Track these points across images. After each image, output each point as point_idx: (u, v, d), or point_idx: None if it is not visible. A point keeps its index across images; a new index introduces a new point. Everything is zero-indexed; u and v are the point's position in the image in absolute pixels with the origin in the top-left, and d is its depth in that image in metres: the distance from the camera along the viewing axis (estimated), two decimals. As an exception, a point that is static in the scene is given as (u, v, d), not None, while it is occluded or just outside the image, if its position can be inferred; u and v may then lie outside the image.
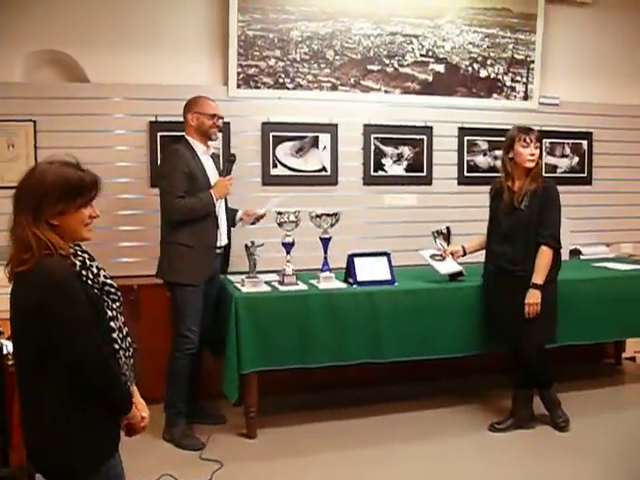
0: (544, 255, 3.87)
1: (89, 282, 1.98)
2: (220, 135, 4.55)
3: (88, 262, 2.02)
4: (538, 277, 3.86)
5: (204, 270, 3.91)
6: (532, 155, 3.93)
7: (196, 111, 3.93)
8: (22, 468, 2.76)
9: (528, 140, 3.92)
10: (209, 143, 4.01)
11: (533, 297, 3.85)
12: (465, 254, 4.29)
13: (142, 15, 4.50)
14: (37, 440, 1.96)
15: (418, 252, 4.37)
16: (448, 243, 4.29)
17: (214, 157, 4.10)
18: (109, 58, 4.45)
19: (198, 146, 3.95)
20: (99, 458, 2.00)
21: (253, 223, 4.20)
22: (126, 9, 4.47)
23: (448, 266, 4.26)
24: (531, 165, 3.93)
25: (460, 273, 4.27)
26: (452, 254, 4.28)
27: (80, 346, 1.89)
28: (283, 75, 4.73)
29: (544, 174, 4.32)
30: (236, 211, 4.22)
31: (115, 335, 2.03)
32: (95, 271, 2.02)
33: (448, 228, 4.32)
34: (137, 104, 4.50)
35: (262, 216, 4.17)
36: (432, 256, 4.30)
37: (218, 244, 3.97)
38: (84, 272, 1.98)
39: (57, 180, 1.92)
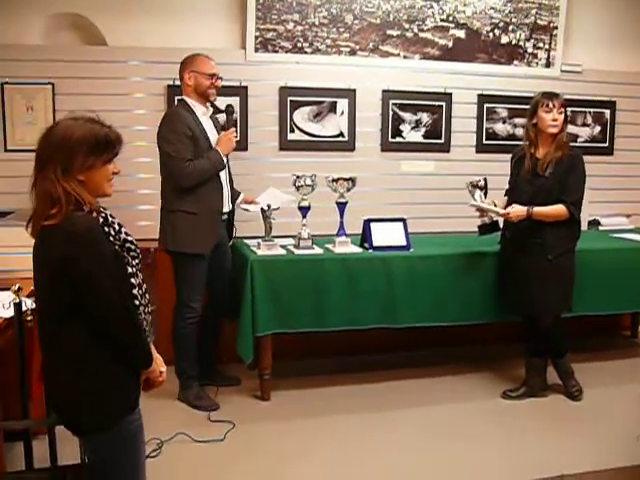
0: (558, 209, 3.81)
1: (111, 238, 2.02)
2: (237, 99, 4.57)
3: (110, 219, 2.05)
4: (538, 210, 3.79)
5: (210, 238, 3.83)
6: (554, 120, 3.85)
7: (193, 70, 3.79)
8: (41, 421, 2.82)
9: (551, 105, 3.85)
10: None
11: (518, 212, 3.81)
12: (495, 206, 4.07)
13: (160, -21, 4.48)
14: (61, 392, 2.01)
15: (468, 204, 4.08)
16: (486, 196, 4.07)
17: (213, 119, 3.99)
18: (127, 22, 4.45)
19: (197, 107, 3.82)
20: (122, 409, 2.04)
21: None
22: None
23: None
24: (554, 131, 3.86)
25: (495, 226, 4.06)
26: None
27: (108, 299, 1.93)
28: (301, 39, 4.69)
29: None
30: (238, 193, 4.15)
31: (135, 291, 2.07)
32: (117, 228, 2.06)
33: (485, 180, 4.09)
34: (155, 67, 4.50)
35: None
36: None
37: (223, 210, 3.89)
38: (106, 228, 2.02)
39: (86, 135, 1.95)
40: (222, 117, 4.04)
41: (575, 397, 4.08)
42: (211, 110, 3.93)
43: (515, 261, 4.01)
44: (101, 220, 2.01)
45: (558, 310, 3.98)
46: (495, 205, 3.99)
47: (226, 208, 3.92)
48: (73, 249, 1.89)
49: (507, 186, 4.10)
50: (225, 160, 3.81)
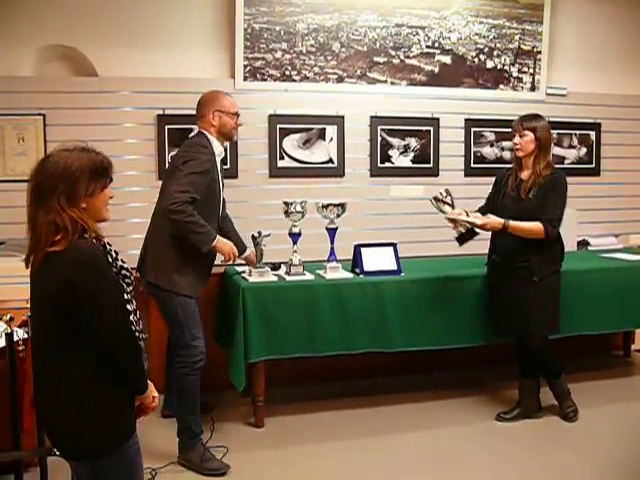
0: (534, 226, 3.78)
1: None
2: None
3: (108, 246, 2.10)
4: (514, 224, 3.77)
5: (203, 281, 3.67)
6: (515, 144, 3.91)
7: (217, 109, 3.60)
8: (33, 452, 2.80)
9: (513, 130, 3.93)
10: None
11: (494, 223, 3.79)
12: (468, 215, 3.90)
13: (149, 9, 4.55)
14: (64, 420, 2.02)
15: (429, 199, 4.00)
16: (453, 207, 3.90)
17: (223, 161, 3.83)
18: (117, 52, 4.50)
19: (217, 147, 3.62)
20: (124, 433, 2.08)
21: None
22: (134, 4, 4.52)
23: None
24: (519, 154, 3.91)
25: (469, 233, 3.91)
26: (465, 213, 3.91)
27: (114, 324, 1.98)
28: (290, 67, 4.76)
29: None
30: (245, 247, 4.03)
31: (131, 318, 2.11)
32: (114, 255, 2.10)
33: (447, 191, 3.92)
34: (145, 97, 4.54)
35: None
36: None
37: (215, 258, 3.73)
38: (106, 256, 2.07)
39: (85, 164, 2.02)
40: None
41: (570, 418, 4.08)
42: (223, 151, 3.72)
43: (502, 284, 4.03)
44: (100, 247, 2.06)
45: (545, 331, 3.98)
46: (467, 214, 3.90)
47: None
48: (79, 274, 1.93)
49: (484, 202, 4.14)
50: (209, 250, 3.52)
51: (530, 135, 3.87)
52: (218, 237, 3.51)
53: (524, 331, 3.95)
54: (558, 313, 4.00)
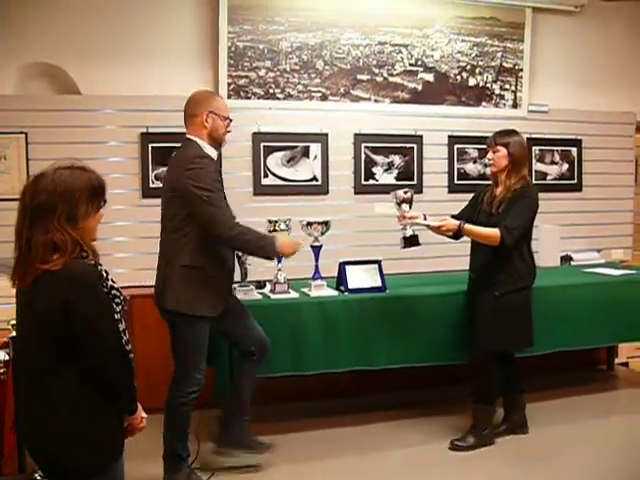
0: (490, 231, 3.71)
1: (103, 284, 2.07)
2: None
3: (99, 266, 2.08)
4: (468, 227, 3.75)
5: (224, 299, 3.48)
6: (489, 160, 3.91)
7: (212, 110, 3.36)
8: (15, 477, 2.76)
9: (488, 146, 3.95)
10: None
11: (450, 225, 3.76)
12: (426, 219, 3.85)
13: (133, 27, 4.55)
14: (53, 441, 1.99)
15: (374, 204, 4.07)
16: (410, 207, 3.84)
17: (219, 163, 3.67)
18: (100, 70, 4.49)
19: (211, 152, 3.39)
20: (113, 454, 2.07)
21: None
22: (117, 22, 4.52)
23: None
24: (493, 170, 3.91)
25: (415, 239, 3.80)
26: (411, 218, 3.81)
27: (108, 344, 1.98)
28: (273, 85, 4.77)
29: (534, 181, 4.27)
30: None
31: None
32: (104, 274, 2.09)
33: (409, 191, 3.86)
34: (128, 115, 4.53)
35: None
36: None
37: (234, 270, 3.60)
38: None
39: (86, 184, 2.02)
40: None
41: (458, 448, 3.94)
42: (216, 155, 3.50)
43: (471, 299, 4.04)
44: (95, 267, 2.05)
45: (496, 349, 3.86)
46: (425, 218, 3.83)
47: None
48: (75, 293, 1.93)
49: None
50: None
51: (503, 150, 3.84)
52: (276, 242, 3.38)
53: (476, 347, 3.90)
54: (523, 330, 3.88)
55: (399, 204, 3.82)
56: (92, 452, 2.00)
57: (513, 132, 3.95)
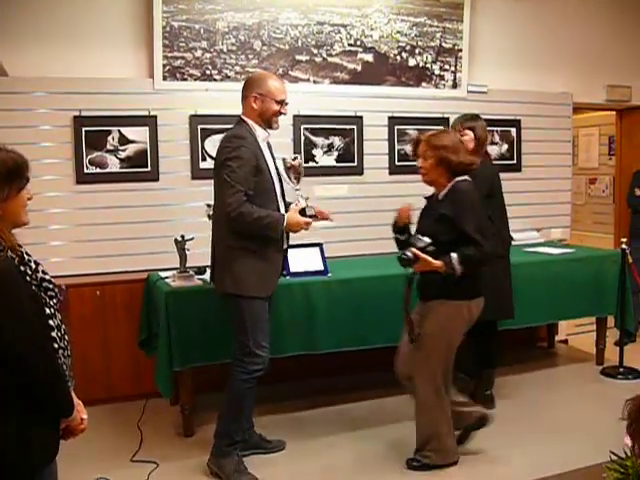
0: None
1: (27, 278, 1.91)
2: (147, 129, 4.49)
3: (26, 257, 1.95)
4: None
5: (274, 277, 3.46)
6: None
7: (261, 93, 3.38)
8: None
9: (452, 128, 3.97)
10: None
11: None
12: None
13: (63, 6, 4.36)
14: None
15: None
16: (299, 181, 3.60)
17: (269, 145, 3.57)
18: (29, 51, 4.30)
19: (259, 132, 3.41)
20: (43, 460, 1.93)
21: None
22: (47, 1, 4.32)
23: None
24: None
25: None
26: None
27: (23, 349, 1.80)
28: (210, 66, 4.66)
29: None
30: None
31: (54, 334, 1.96)
32: (33, 266, 1.96)
33: (296, 157, 3.64)
34: (60, 98, 4.35)
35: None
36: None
37: (284, 246, 3.50)
38: (22, 268, 1.91)
39: None
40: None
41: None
42: (269, 135, 3.51)
43: None
44: (17, 259, 1.89)
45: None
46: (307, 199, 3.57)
47: (285, 244, 3.53)
48: None
49: None
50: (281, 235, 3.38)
51: (470, 134, 4.11)
52: (285, 215, 3.33)
53: None
54: (504, 299, 4.20)
55: (288, 169, 3.60)
56: (21, 455, 1.87)
57: (477, 116, 4.26)
